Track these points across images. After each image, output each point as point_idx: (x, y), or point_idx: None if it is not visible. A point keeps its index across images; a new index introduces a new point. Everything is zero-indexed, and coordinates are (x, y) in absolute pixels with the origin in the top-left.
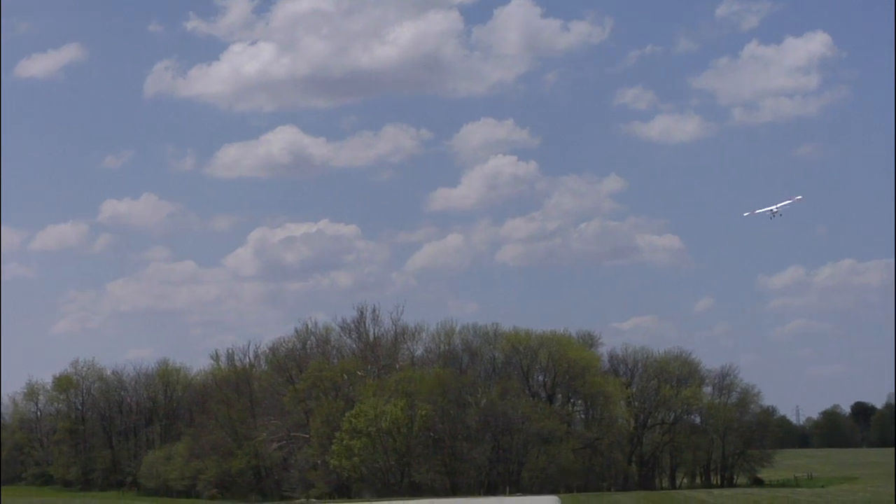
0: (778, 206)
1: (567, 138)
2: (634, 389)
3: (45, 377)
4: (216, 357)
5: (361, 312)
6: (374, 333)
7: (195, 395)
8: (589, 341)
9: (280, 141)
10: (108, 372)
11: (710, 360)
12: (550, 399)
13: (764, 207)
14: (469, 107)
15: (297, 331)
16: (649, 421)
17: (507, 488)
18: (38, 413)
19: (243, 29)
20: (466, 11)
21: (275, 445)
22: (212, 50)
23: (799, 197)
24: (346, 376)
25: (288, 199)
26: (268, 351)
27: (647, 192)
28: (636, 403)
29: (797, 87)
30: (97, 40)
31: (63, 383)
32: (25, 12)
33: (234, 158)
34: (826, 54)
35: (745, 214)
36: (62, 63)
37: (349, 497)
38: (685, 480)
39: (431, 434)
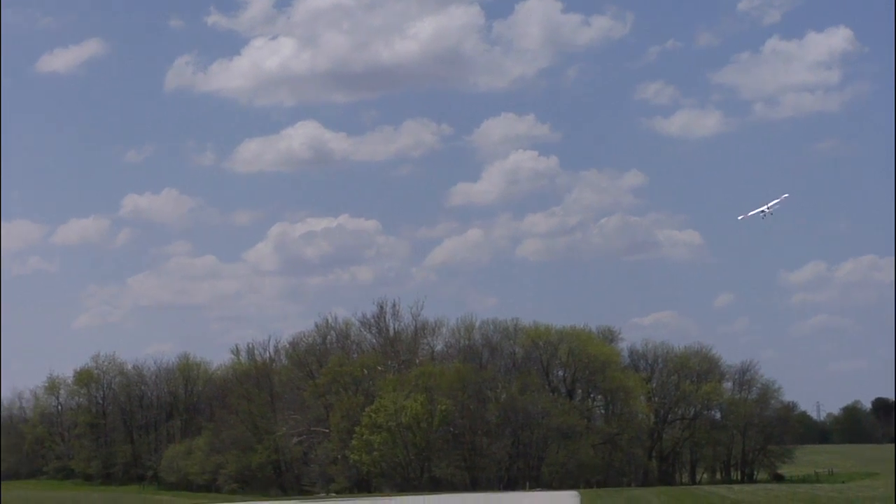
0: (769, 205)
1: (588, 133)
2: (654, 385)
3: (66, 371)
4: (236, 352)
5: (381, 307)
6: (394, 328)
7: (215, 389)
8: (609, 336)
9: (300, 136)
10: (129, 366)
11: (730, 356)
12: (570, 394)
13: (755, 209)
14: (490, 102)
15: (317, 325)
16: (669, 416)
17: (527, 483)
18: (60, 407)
19: (264, 24)
20: (487, 6)
21: (295, 440)
22: (232, 45)
23: (786, 195)
24: (366, 371)
25: (308, 193)
26: (288, 346)
27: (667, 188)
28: (656, 399)
29: (819, 83)
30: (118, 35)
31: (84, 377)
32: (47, 7)
33: (255, 153)
34: (848, 49)
35: (740, 218)
36: (84, 58)
37: (369, 491)
38: (705, 476)
39: (451, 429)
